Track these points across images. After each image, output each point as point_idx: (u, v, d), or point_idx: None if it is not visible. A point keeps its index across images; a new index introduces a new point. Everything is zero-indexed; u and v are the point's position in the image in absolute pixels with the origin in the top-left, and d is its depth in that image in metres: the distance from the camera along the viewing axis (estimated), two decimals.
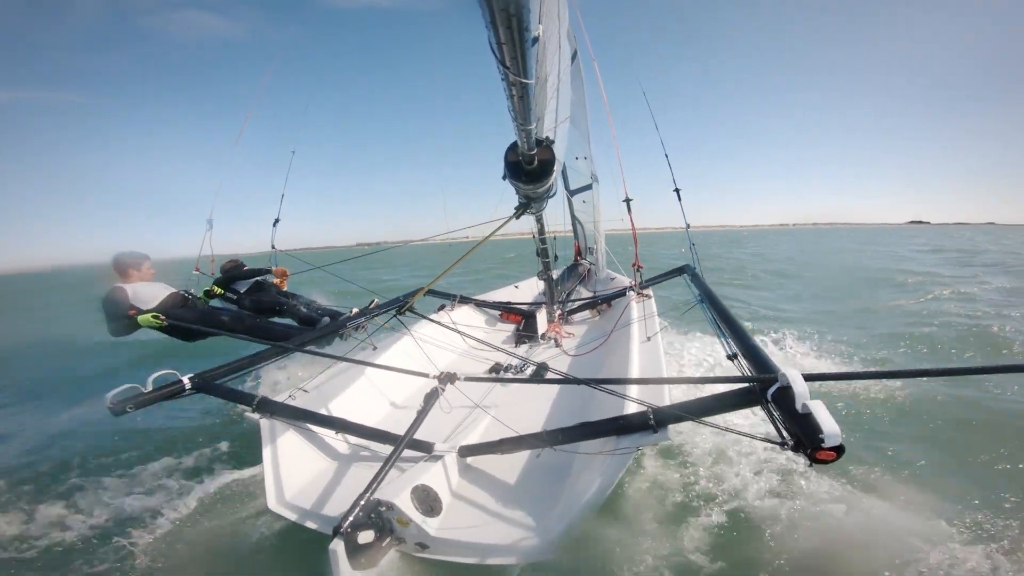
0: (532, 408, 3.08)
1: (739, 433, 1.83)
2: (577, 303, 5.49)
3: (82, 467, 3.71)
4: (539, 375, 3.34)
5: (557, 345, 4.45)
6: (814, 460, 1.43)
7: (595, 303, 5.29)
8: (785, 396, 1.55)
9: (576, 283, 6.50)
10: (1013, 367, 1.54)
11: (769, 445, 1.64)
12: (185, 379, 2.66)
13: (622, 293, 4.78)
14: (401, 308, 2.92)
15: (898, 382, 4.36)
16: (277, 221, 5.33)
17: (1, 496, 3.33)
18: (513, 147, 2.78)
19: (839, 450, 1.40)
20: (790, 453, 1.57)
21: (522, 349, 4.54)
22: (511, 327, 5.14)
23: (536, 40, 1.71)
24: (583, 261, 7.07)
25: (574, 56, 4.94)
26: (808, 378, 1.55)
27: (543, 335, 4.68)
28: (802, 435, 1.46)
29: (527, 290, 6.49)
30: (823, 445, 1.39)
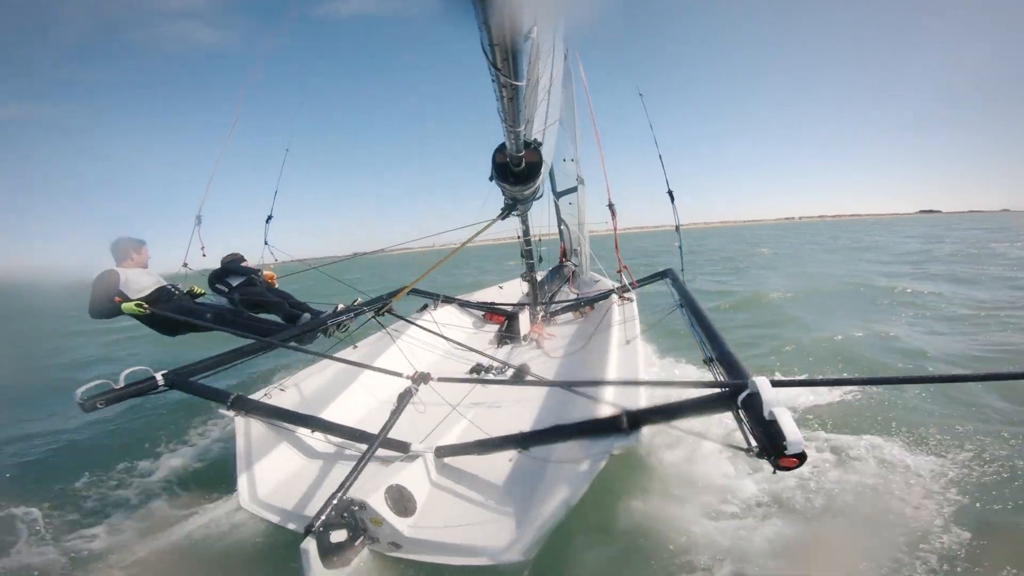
0: (512, 409, 3.08)
1: (706, 438, 1.88)
2: (560, 305, 5.50)
3: (48, 464, 3.59)
4: (518, 377, 3.35)
5: (539, 347, 4.45)
6: (777, 467, 1.46)
7: (578, 305, 5.31)
8: (753, 402, 1.57)
9: (560, 285, 6.51)
10: (988, 376, 1.61)
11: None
12: (158, 375, 2.64)
13: (605, 296, 4.80)
14: (380, 309, 2.89)
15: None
16: (270, 218, 5.20)
17: None
18: (501, 148, 2.77)
19: (801, 457, 1.43)
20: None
21: (504, 350, 4.53)
22: (495, 328, 5.12)
23: (529, 40, 1.70)
24: (568, 263, 7.08)
25: (566, 55, 4.91)
26: (776, 384, 1.58)
27: (525, 336, 4.68)
28: (767, 441, 1.49)
29: (511, 291, 6.48)
30: (786, 452, 1.42)
